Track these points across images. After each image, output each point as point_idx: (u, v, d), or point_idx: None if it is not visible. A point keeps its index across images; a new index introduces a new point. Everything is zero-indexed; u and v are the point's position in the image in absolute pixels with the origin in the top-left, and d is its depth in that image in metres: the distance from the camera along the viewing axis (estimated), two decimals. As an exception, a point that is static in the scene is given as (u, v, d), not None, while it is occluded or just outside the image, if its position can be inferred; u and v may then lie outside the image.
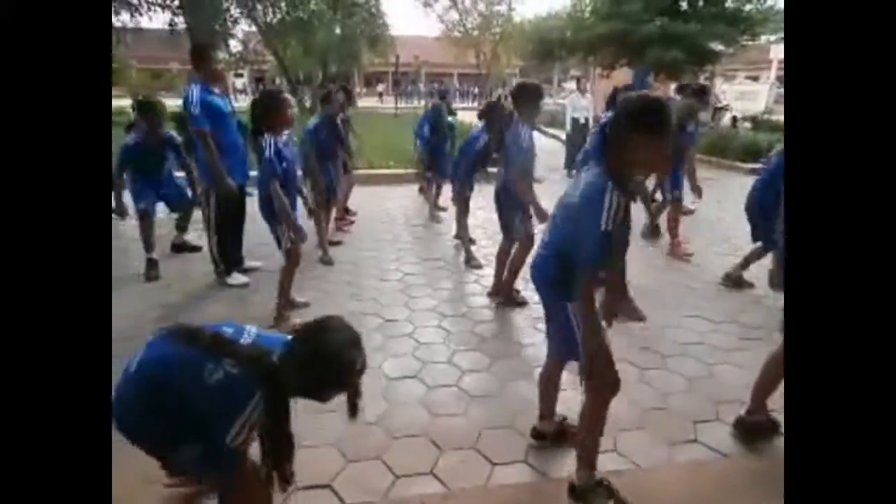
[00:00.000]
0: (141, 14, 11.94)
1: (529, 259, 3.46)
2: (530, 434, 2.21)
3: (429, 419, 2.38)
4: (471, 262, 4.39)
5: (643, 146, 1.54)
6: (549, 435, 2.19)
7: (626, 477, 2.03)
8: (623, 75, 16.03)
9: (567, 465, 2.08)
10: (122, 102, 19.54)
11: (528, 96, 3.29)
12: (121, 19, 12.16)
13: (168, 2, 11.96)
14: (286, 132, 3.19)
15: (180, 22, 11.90)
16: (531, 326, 3.29)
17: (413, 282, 4.04)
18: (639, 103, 1.56)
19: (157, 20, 12.70)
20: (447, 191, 5.64)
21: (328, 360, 1.39)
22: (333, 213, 5.23)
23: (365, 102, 26.21)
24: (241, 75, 32.14)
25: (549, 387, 2.17)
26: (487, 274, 4.06)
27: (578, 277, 1.63)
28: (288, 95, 3.28)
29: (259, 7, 14.97)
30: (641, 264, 4.46)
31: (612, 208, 1.53)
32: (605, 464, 2.10)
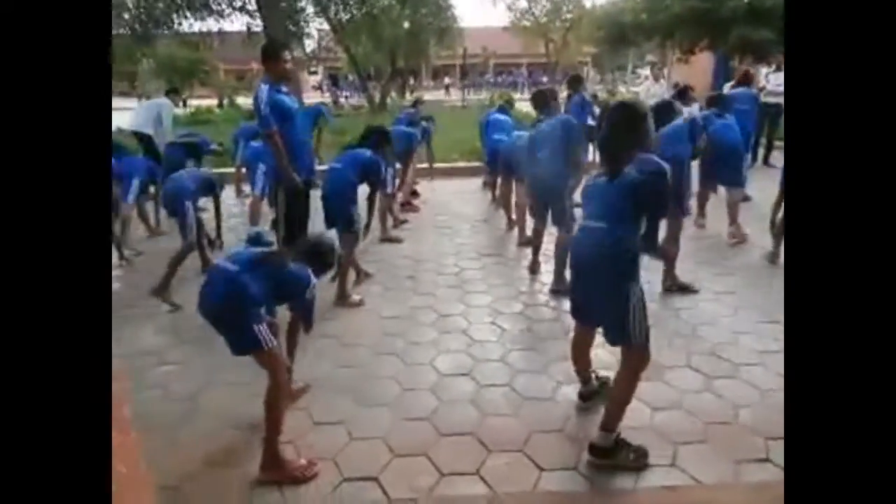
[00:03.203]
0: (224, 18, 12.67)
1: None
2: (579, 396, 2.42)
3: (478, 418, 2.36)
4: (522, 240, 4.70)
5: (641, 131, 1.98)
6: (591, 394, 2.40)
7: (684, 493, 1.91)
8: (704, 60, 15.02)
9: (620, 478, 1.98)
10: (209, 102, 21.06)
11: (546, 100, 3.79)
12: (206, 24, 12.97)
13: (245, 5, 12.60)
14: None
15: (256, 24, 12.52)
16: (590, 327, 3.17)
17: (470, 277, 4.02)
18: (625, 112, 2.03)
19: (238, 23, 13.39)
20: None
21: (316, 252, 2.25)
22: (399, 198, 5.63)
23: (433, 95, 26.42)
24: (315, 72, 33.45)
25: (583, 351, 2.38)
26: (546, 271, 3.95)
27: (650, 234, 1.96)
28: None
29: (332, 5, 15.43)
30: (714, 265, 4.16)
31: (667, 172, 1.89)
32: (662, 478, 1.98)
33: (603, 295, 1.99)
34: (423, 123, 6.20)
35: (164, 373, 2.80)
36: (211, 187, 4.16)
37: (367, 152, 3.75)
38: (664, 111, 3.54)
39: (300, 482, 1.98)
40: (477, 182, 7.16)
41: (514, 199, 5.03)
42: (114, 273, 4.33)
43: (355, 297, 3.56)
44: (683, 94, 5.75)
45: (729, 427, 2.26)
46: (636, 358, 1.99)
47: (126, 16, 12.76)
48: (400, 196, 5.71)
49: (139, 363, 2.87)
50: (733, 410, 2.36)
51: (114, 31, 12.60)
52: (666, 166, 1.89)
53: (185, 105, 20.73)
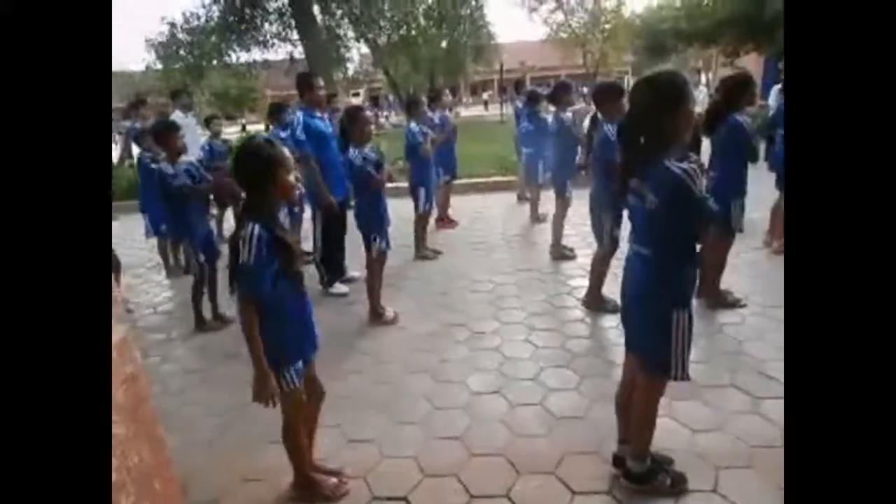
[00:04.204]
0: (268, 48, 13.34)
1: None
2: (612, 461, 2.05)
3: (509, 438, 2.32)
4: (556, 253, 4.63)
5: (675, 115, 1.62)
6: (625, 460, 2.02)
7: (726, 522, 1.80)
8: (750, 63, 14.49)
9: (656, 503, 1.90)
10: (259, 127, 22.15)
11: (607, 96, 3.34)
12: (252, 55, 13.68)
13: (288, 36, 13.22)
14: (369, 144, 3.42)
15: (299, 52, 13.07)
16: (627, 344, 3.07)
17: (504, 293, 3.99)
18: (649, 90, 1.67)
19: (282, 52, 14.03)
20: (547, 200, 5.56)
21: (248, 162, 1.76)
22: (434, 215, 5.54)
23: (471, 111, 26.65)
24: (357, 94, 34.53)
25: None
26: (581, 286, 3.87)
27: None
28: (366, 112, 3.67)
29: (370, 30, 15.93)
30: (763, 276, 3.96)
31: (694, 171, 1.56)
32: (701, 504, 1.89)
33: (646, 322, 1.80)
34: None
35: (207, 389, 2.91)
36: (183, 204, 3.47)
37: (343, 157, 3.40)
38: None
39: (331, 501, 2.01)
40: (512, 196, 7.14)
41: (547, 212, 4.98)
42: (166, 294, 4.57)
43: (389, 315, 3.61)
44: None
45: (776, 451, 2.11)
46: (660, 384, 1.85)
47: (181, 51, 13.63)
48: (434, 211, 5.67)
49: (185, 381, 3.01)
50: (781, 433, 2.22)
51: (169, 66, 13.48)
52: (678, 170, 1.54)
53: (244, 129, 22.00)
